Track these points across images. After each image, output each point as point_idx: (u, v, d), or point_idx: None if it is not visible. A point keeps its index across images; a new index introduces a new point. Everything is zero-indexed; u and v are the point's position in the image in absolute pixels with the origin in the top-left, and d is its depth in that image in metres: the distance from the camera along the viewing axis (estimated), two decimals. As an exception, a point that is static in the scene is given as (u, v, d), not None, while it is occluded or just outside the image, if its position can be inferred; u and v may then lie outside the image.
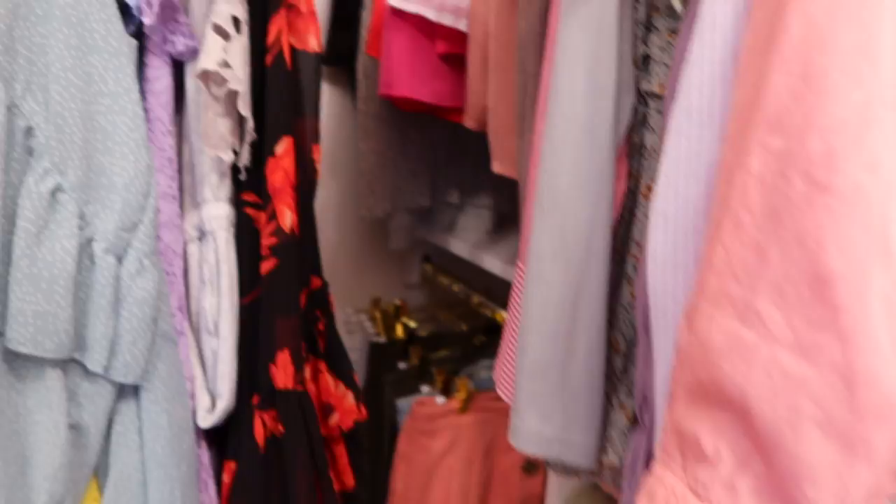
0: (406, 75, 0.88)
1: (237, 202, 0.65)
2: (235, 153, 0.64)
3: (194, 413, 0.64)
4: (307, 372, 0.69)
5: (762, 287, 0.33)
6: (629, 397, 0.51)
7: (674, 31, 0.54)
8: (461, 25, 0.84)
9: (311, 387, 0.68)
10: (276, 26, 0.64)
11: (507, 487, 0.93)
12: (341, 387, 0.72)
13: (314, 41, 0.67)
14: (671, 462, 0.36)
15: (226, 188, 0.65)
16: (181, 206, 0.64)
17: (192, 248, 0.64)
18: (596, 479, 0.58)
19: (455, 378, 0.90)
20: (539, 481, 0.95)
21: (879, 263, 0.31)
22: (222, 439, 0.69)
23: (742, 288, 0.34)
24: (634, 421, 0.51)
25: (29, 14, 0.53)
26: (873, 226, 0.31)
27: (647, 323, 0.43)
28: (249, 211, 0.65)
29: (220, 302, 0.63)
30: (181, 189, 0.64)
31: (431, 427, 0.85)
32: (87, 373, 0.56)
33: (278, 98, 0.64)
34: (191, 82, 0.63)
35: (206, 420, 0.64)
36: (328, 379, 0.71)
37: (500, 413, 0.91)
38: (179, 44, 0.61)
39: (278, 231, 0.62)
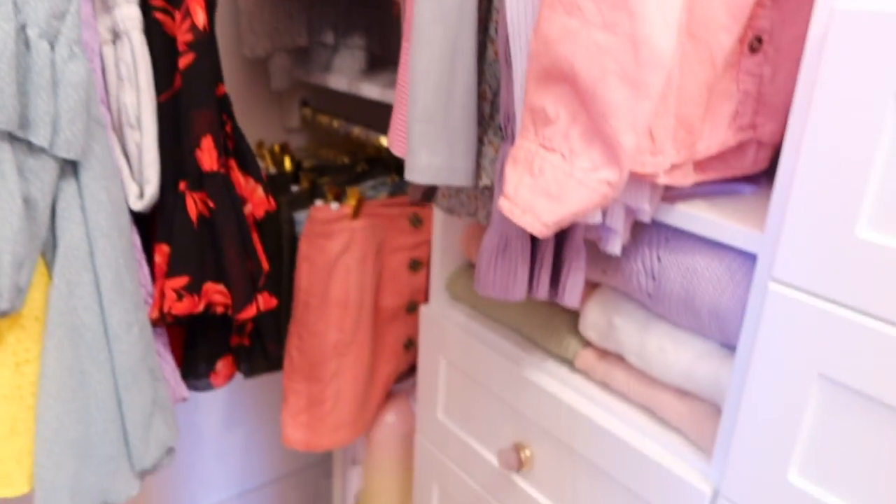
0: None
1: (145, 7, 0.71)
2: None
3: (126, 201, 0.72)
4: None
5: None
6: (496, 136, 0.66)
7: None
8: None
9: (226, 178, 0.78)
10: None
11: (397, 282, 1.09)
12: (251, 181, 0.82)
13: None
14: (527, 133, 0.52)
15: (134, -8, 0.71)
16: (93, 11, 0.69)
17: (107, 51, 0.70)
18: (473, 218, 0.75)
19: (345, 189, 1.03)
20: (423, 276, 1.13)
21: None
22: (147, 231, 0.78)
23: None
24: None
25: None
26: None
27: (508, 53, 0.58)
28: (158, 15, 0.71)
29: (139, 97, 0.70)
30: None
31: (328, 230, 0.98)
32: (32, 150, 0.62)
33: None
34: None
35: (137, 205, 0.72)
36: (238, 175, 0.81)
37: (387, 219, 1.06)
38: None
39: (193, 28, 0.69)
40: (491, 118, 0.66)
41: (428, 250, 1.11)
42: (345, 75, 1.11)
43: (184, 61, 0.70)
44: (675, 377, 0.70)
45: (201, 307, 0.75)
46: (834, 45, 0.50)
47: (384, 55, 1.18)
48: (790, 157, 0.55)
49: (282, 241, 0.99)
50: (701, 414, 0.69)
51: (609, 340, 0.76)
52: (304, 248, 0.98)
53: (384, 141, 1.12)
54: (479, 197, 0.70)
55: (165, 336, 0.80)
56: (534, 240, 0.63)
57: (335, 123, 1.16)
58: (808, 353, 0.55)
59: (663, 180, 0.59)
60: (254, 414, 1.42)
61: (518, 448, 0.84)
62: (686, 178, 0.61)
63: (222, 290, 0.77)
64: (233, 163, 0.80)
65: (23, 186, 0.62)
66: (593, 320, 0.77)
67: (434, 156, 0.63)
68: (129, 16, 0.68)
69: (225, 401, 1.37)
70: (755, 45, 0.58)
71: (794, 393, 0.56)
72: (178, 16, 0.69)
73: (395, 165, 1.17)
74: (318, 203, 0.99)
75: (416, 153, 0.64)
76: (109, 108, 0.71)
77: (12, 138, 0.60)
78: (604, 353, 0.79)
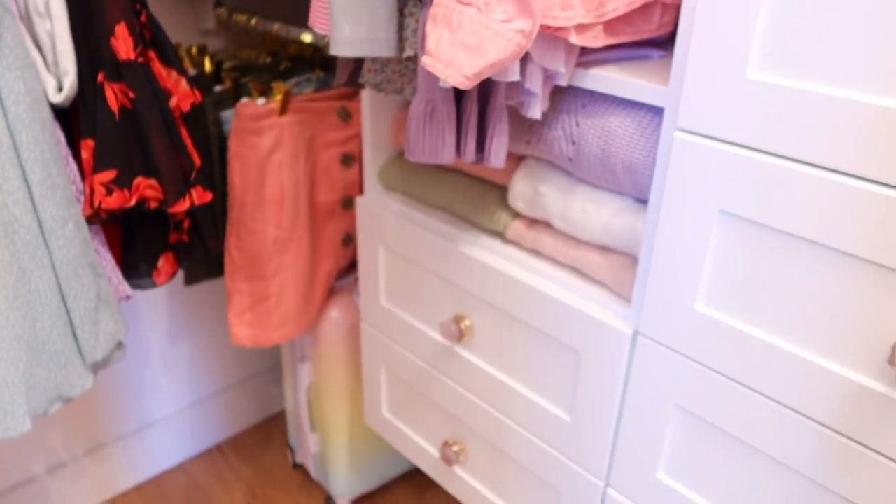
0: None
1: None
2: None
3: (45, 94, 0.70)
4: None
5: None
6: (416, 7, 0.68)
7: None
8: None
9: (147, 70, 0.77)
10: None
11: (330, 178, 1.11)
12: (174, 74, 0.81)
13: None
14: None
15: None
16: None
17: (3, -67, 0.67)
18: (400, 95, 0.77)
19: (270, 85, 1.02)
20: (356, 171, 1.15)
21: None
22: (70, 127, 0.76)
23: None
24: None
25: None
26: None
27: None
28: None
29: (45, -18, 0.68)
30: None
31: (257, 126, 0.98)
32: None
33: None
34: None
35: (57, 98, 0.71)
36: (160, 67, 0.79)
37: (315, 114, 1.06)
38: None
39: None
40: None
41: (359, 144, 1.12)
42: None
43: (89, -57, 0.67)
44: (597, 235, 0.75)
45: (133, 201, 0.76)
46: None
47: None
48: (688, 13, 0.59)
49: (211, 141, 0.99)
50: (620, 265, 0.75)
51: (536, 208, 0.81)
52: (234, 145, 0.98)
53: (307, 37, 1.10)
54: (405, 73, 0.72)
55: (102, 234, 0.80)
56: (459, 105, 0.66)
57: (253, 21, 1.14)
58: (708, 193, 0.61)
59: (575, 40, 0.62)
60: (198, 324, 1.44)
61: (458, 319, 0.90)
62: (597, 40, 0.65)
63: (154, 185, 0.77)
64: (152, 54, 0.78)
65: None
66: (520, 190, 0.81)
67: (356, 28, 0.64)
68: None
69: (168, 313, 1.38)
70: None
71: (698, 231, 0.62)
72: None
73: (319, 62, 1.16)
74: (244, 100, 0.98)
75: (338, 26, 0.65)
76: (14, -3, 0.68)
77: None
78: (532, 222, 0.84)
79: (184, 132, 0.81)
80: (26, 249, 0.68)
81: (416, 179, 0.93)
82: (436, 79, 0.62)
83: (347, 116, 1.09)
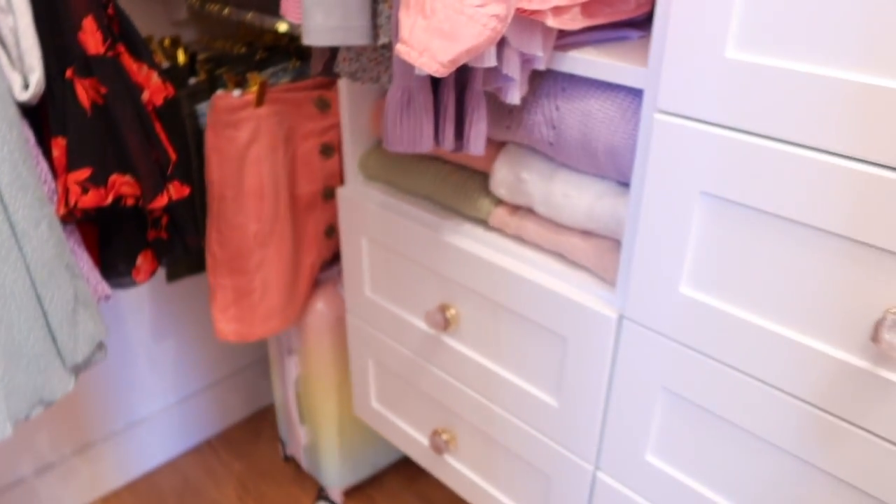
0: None
1: None
2: None
3: (10, 92, 0.68)
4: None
5: None
6: (389, -7, 0.67)
7: None
8: None
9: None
10: None
11: (310, 169, 1.10)
12: (144, 67, 0.79)
13: None
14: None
15: None
16: None
17: (-41, -74, 0.65)
18: (376, 84, 0.75)
19: (246, 76, 1.00)
20: (336, 161, 1.13)
21: None
22: (40, 126, 0.74)
23: None
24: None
25: None
26: None
27: None
28: None
29: (6, -24, 0.66)
30: None
31: (233, 119, 0.96)
32: None
33: None
34: None
35: (23, 95, 0.69)
36: (130, 61, 0.78)
37: (292, 105, 1.04)
38: None
39: None
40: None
41: (338, 134, 1.11)
42: (230, -43, 1.06)
43: (50, -66, 0.65)
44: (579, 219, 0.75)
45: (110, 199, 0.74)
46: None
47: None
48: (667, -8, 0.58)
49: (187, 135, 0.97)
50: (603, 249, 0.75)
51: (519, 195, 0.80)
52: (210, 138, 0.96)
53: (282, 26, 1.08)
54: (380, 61, 0.71)
55: (78, 234, 0.79)
56: (436, 92, 0.65)
57: (226, 11, 1.11)
58: (690, 175, 0.60)
59: (552, 23, 0.61)
60: (183, 320, 1.43)
61: (443, 308, 0.89)
62: (574, 22, 0.64)
63: (130, 181, 0.75)
64: (122, 48, 0.76)
65: None
66: (502, 177, 0.81)
67: (329, 16, 0.63)
68: None
69: (152, 310, 1.37)
70: None
71: (680, 213, 0.62)
72: None
73: (295, 51, 1.14)
74: (220, 92, 0.97)
75: (310, 15, 0.64)
76: (-26, -8, 0.66)
77: None
78: (515, 209, 0.83)
79: (158, 127, 0.79)
80: (-1, 252, 0.66)
81: (397, 168, 0.92)
82: (411, 67, 0.61)
83: (325, 106, 1.07)
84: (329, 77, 0.77)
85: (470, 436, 0.96)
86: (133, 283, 0.90)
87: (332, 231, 1.17)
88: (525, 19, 0.60)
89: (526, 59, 0.65)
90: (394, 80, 0.63)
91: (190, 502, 1.41)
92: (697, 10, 0.55)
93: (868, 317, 0.54)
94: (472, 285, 0.85)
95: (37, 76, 0.68)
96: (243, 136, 0.98)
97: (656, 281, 0.66)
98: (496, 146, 0.82)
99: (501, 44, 0.60)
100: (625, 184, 0.72)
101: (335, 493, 1.38)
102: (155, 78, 0.79)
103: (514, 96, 0.65)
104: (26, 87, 0.69)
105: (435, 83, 0.65)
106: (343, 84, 0.92)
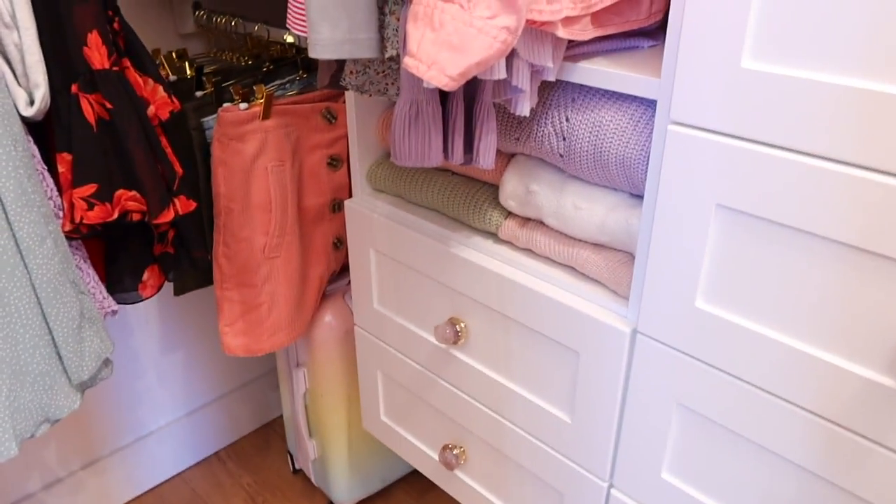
0: None
1: None
2: None
3: (16, 108, 0.68)
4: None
5: None
6: (396, 5, 0.66)
7: None
8: None
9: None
10: None
11: (318, 181, 1.09)
12: (150, 82, 0.79)
13: None
14: (425, -12, 0.52)
15: None
16: None
17: (-36, -58, 0.64)
18: (384, 96, 0.75)
19: (252, 89, 1.00)
20: (343, 173, 1.12)
21: None
22: (45, 141, 0.74)
23: None
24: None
25: None
26: None
27: None
28: None
29: (11, -8, 0.65)
30: None
31: (239, 132, 0.96)
32: None
33: None
34: None
35: (28, 111, 0.69)
36: (135, 75, 0.77)
37: (299, 117, 1.04)
38: None
39: None
40: (392, -12, 0.65)
41: (345, 146, 1.10)
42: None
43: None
44: (591, 232, 0.74)
45: (115, 215, 0.73)
46: None
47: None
48: (679, 1, 0.56)
49: (193, 148, 0.96)
50: (616, 263, 0.73)
51: (528, 207, 0.79)
52: (217, 152, 0.96)
53: (289, 38, 1.08)
54: (388, 73, 0.70)
55: (84, 250, 0.78)
56: (444, 105, 0.64)
57: (234, 23, 1.11)
58: (705, 187, 0.59)
59: (562, 34, 0.60)
60: (191, 333, 1.42)
61: (453, 322, 0.88)
62: (585, 33, 0.63)
63: (136, 197, 0.75)
64: (127, 62, 0.76)
65: None
66: (512, 189, 0.80)
67: (335, 29, 0.62)
68: None
69: (160, 323, 1.36)
70: None
71: (696, 226, 0.60)
72: None
73: (302, 63, 1.14)
74: (226, 105, 0.96)
75: (316, 28, 0.63)
76: (-21, 9, 0.66)
77: None
78: (525, 221, 0.82)
79: (164, 141, 0.79)
80: (3, 270, 0.65)
81: (405, 180, 0.91)
82: (419, 79, 0.60)
83: (332, 118, 1.07)
84: (336, 89, 0.76)
85: (481, 451, 0.94)
86: (139, 299, 0.89)
87: (340, 243, 1.16)
88: (535, 30, 0.59)
89: (536, 70, 0.63)
90: (401, 93, 0.62)
91: (198, 517, 1.40)
92: (712, 18, 0.54)
93: (892, 332, 0.52)
94: (481, 298, 0.83)
95: (42, 92, 0.67)
96: (250, 148, 0.97)
97: (671, 295, 0.64)
98: (505, 158, 0.81)
99: (511, 55, 0.59)
100: (638, 196, 0.71)
101: (344, 507, 1.37)
102: (161, 92, 0.78)
103: (523, 108, 0.64)
104: (31, 102, 0.68)
105: (443, 95, 0.64)
106: (350, 96, 0.91)
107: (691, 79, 0.57)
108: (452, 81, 0.50)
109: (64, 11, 0.67)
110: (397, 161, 0.65)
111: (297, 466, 1.46)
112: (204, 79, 1.06)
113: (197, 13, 1.18)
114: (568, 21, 0.60)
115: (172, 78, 1.06)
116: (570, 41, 0.65)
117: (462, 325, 0.88)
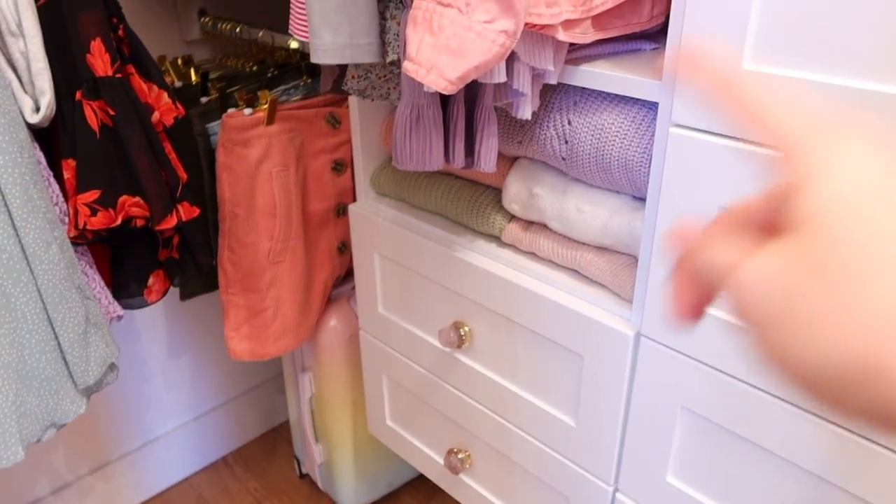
0: None
1: None
2: None
3: (22, 115, 0.69)
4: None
5: None
6: (397, 10, 0.66)
7: None
8: None
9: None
10: None
11: (322, 186, 1.09)
12: (154, 88, 0.79)
13: None
14: (424, -7, 0.52)
15: None
16: None
17: (-30, -48, 0.65)
18: (386, 101, 0.75)
19: (256, 95, 1.00)
20: (348, 178, 1.13)
21: None
22: (51, 148, 0.74)
23: None
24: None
25: None
26: None
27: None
28: None
29: (16, 0, 0.66)
30: None
31: (244, 137, 0.96)
32: None
33: None
34: None
35: (34, 118, 0.69)
36: (140, 81, 0.78)
37: (303, 122, 1.04)
38: None
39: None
40: (390, -9, 0.65)
41: (349, 151, 1.10)
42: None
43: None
44: (594, 235, 0.73)
45: (119, 220, 0.74)
46: None
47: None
48: (679, 3, 0.56)
49: (198, 154, 0.97)
50: (620, 266, 0.73)
51: (531, 210, 0.79)
52: (222, 157, 0.96)
53: (293, 43, 1.08)
54: (390, 78, 0.70)
55: (89, 255, 0.79)
56: (445, 109, 0.64)
57: (238, 29, 1.12)
58: (707, 189, 0.58)
59: (563, 37, 0.60)
60: (198, 337, 1.42)
61: (457, 326, 0.88)
62: (585, 36, 0.63)
63: (139, 203, 0.75)
64: (131, 69, 0.76)
65: None
66: (515, 193, 0.79)
67: (337, 34, 0.63)
68: (-10, -89, 0.63)
69: (167, 328, 1.37)
70: None
71: (699, 228, 0.60)
72: None
73: (306, 68, 1.14)
74: (231, 111, 0.97)
75: (318, 34, 0.63)
76: (-15, 17, 0.66)
77: None
78: (528, 224, 0.82)
79: (168, 147, 0.79)
80: (9, 275, 0.66)
81: (409, 184, 0.91)
82: (420, 83, 0.60)
83: (336, 123, 1.07)
84: (339, 94, 0.76)
85: (486, 455, 0.94)
86: (144, 304, 0.89)
87: (344, 247, 1.16)
88: (535, 33, 0.59)
89: (537, 74, 0.64)
90: (402, 97, 0.62)
91: (205, 521, 1.40)
92: (713, 21, 0.54)
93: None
94: (485, 302, 0.83)
95: (47, 99, 0.68)
96: (254, 154, 0.97)
97: (674, 298, 0.64)
98: (508, 161, 0.81)
99: (511, 58, 0.59)
100: (640, 198, 0.70)
101: (351, 511, 1.37)
102: (165, 98, 0.79)
103: (525, 112, 0.64)
104: (37, 109, 0.69)
105: (444, 99, 0.64)
106: (354, 100, 0.91)
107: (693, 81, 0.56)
108: (451, 85, 0.50)
109: (68, 19, 0.68)
110: (399, 165, 0.65)
111: (303, 471, 1.46)
112: (209, 84, 1.06)
113: (202, 19, 1.19)
114: (568, 24, 0.60)
115: (178, 84, 1.07)
116: (571, 44, 0.65)
117: (466, 328, 0.88)
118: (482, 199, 0.85)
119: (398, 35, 0.65)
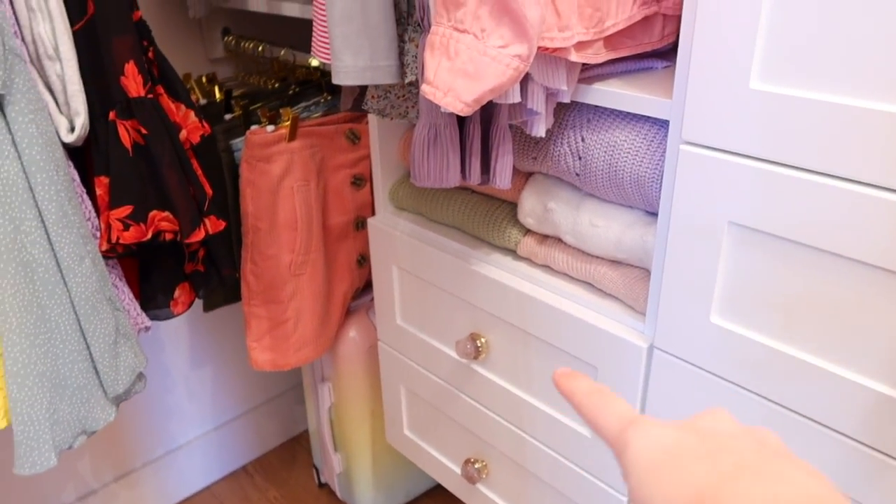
0: None
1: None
2: None
3: (57, 134, 0.72)
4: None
5: None
6: (416, 32, 0.68)
7: None
8: None
9: (156, 105, 0.78)
10: None
11: (342, 200, 1.12)
12: (182, 107, 0.82)
13: None
14: (440, 18, 0.54)
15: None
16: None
17: (12, -18, 0.69)
18: (405, 119, 0.77)
19: (279, 112, 1.03)
20: (367, 192, 1.15)
21: None
22: (84, 165, 0.78)
23: None
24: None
25: None
26: None
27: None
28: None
29: (53, 26, 0.69)
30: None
31: (266, 153, 0.99)
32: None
33: None
34: None
35: (69, 138, 0.72)
36: (168, 101, 0.81)
37: (324, 138, 1.07)
38: None
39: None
40: (409, 15, 0.68)
41: (368, 166, 1.13)
42: (263, -2, 1.10)
43: (95, -14, 0.69)
44: (608, 249, 0.75)
45: (149, 235, 0.77)
46: None
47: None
48: (689, 25, 0.58)
49: (222, 170, 1.00)
50: (633, 279, 0.75)
51: (546, 224, 0.81)
52: (245, 172, 0.99)
53: (314, 61, 1.11)
54: (408, 97, 0.72)
55: (119, 269, 0.82)
56: (462, 128, 0.66)
57: (260, 48, 1.15)
58: (718, 205, 0.60)
59: (575, 58, 0.62)
60: (220, 348, 1.45)
61: (474, 337, 0.90)
62: (598, 56, 0.65)
63: (169, 217, 0.78)
64: (161, 89, 0.80)
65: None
66: (530, 207, 0.81)
67: (358, 57, 0.65)
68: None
69: (190, 339, 1.40)
70: (652, -83, 0.61)
71: (709, 243, 0.62)
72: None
73: (327, 85, 1.17)
74: (254, 128, 1.00)
75: (339, 56, 0.66)
76: (24, 41, 0.70)
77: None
78: (543, 238, 0.83)
79: (195, 164, 0.82)
80: (45, 288, 0.69)
81: (426, 199, 0.94)
82: (437, 105, 0.62)
83: (356, 139, 1.10)
84: (359, 112, 0.79)
85: (503, 465, 0.95)
86: (170, 315, 0.92)
87: (363, 260, 1.19)
88: (549, 55, 0.61)
89: (550, 93, 0.66)
90: (420, 117, 0.64)
91: (226, 529, 1.42)
92: (721, 41, 0.55)
93: (904, 348, 0.53)
94: (501, 314, 0.85)
95: (82, 119, 0.71)
96: (276, 169, 1.00)
97: (686, 310, 0.66)
98: (523, 176, 0.83)
99: (526, 79, 0.61)
100: (653, 213, 0.72)
101: (369, 520, 1.38)
102: (192, 117, 0.82)
103: (539, 130, 0.66)
104: (72, 129, 0.72)
105: (461, 119, 0.67)
106: (373, 117, 0.94)
107: (702, 100, 0.58)
108: (468, 107, 0.52)
109: (103, 43, 0.71)
110: (417, 182, 0.68)
111: (322, 480, 1.48)
112: (233, 102, 1.10)
113: (226, 39, 1.22)
114: (581, 45, 0.62)
115: (203, 102, 1.10)
116: (585, 63, 0.67)
117: (483, 340, 0.89)
118: (498, 214, 0.87)
119: (416, 57, 0.67)
